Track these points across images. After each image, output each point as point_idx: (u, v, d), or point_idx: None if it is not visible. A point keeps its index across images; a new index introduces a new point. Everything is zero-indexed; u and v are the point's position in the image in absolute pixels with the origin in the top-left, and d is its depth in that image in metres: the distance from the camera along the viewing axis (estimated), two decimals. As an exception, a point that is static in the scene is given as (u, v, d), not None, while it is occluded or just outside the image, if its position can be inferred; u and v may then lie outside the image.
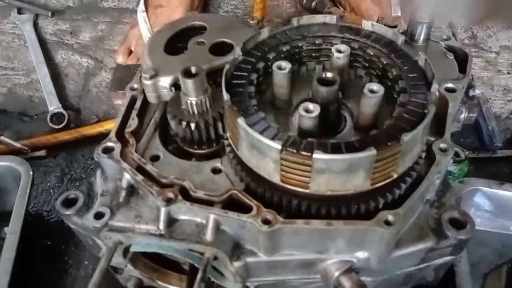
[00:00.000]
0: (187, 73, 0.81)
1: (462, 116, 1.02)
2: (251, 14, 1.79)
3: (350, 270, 0.77)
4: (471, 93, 1.64)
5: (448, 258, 0.84)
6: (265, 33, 0.87)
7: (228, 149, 0.81)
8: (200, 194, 0.76)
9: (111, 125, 1.61)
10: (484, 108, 1.61)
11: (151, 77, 0.88)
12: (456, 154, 1.42)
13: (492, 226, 1.32)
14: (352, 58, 0.86)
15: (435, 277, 0.91)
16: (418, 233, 0.79)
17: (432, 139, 0.80)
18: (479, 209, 1.29)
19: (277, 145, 0.67)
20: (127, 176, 0.81)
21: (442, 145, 0.79)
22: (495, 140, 1.56)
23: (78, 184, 1.55)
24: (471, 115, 1.02)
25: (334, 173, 0.68)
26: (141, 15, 1.70)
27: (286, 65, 0.78)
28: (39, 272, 1.29)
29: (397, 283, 0.89)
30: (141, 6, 1.72)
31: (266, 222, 0.71)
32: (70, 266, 1.32)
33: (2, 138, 1.59)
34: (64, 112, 1.71)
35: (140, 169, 0.80)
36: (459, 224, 0.78)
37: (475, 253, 1.28)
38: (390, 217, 0.70)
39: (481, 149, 1.57)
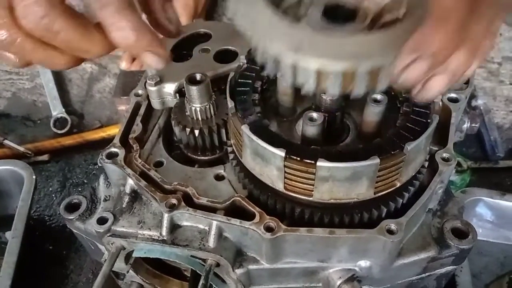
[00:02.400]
0: (192, 80, 0.82)
1: (465, 126, 1.03)
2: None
3: (352, 278, 0.77)
4: (473, 103, 1.65)
5: (450, 268, 0.84)
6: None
7: (231, 156, 0.81)
8: (203, 200, 0.76)
9: (114, 131, 1.62)
10: (486, 118, 1.62)
11: (156, 84, 0.89)
12: (459, 164, 1.43)
13: (494, 236, 1.32)
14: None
15: (437, 286, 0.91)
16: (420, 242, 0.79)
17: (435, 148, 0.81)
18: (481, 219, 1.29)
19: (281, 153, 0.67)
20: (130, 182, 0.81)
21: (445, 155, 0.79)
22: (498, 150, 1.57)
23: (80, 189, 1.56)
24: (473, 125, 1.03)
25: (337, 181, 0.68)
26: (145, 22, 1.70)
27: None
28: (40, 276, 1.29)
29: (399, 292, 0.89)
30: (146, 13, 1.73)
31: (268, 229, 0.71)
32: (71, 271, 1.32)
33: (6, 142, 1.60)
34: (67, 117, 1.72)
35: (143, 175, 0.81)
36: (461, 233, 0.78)
37: (477, 263, 1.28)
38: (393, 226, 0.70)
39: (483, 159, 1.58)
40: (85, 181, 1.57)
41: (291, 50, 0.55)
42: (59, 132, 1.70)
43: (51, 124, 1.71)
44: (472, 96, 1.66)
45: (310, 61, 0.54)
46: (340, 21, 0.65)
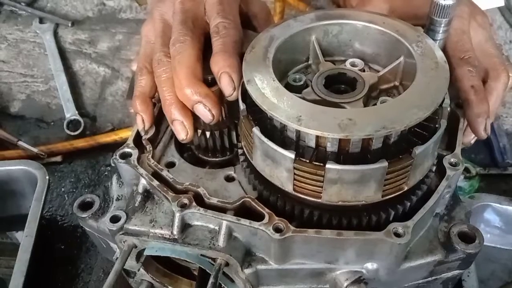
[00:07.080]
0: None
1: (473, 132, 1.03)
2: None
3: (359, 280, 0.78)
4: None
5: (456, 272, 0.85)
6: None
7: (242, 158, 0.83)
8: (213, 200, 0.78)
9: (126, 134, 1.64)
10: (495, 125, 1.62)
11: (169, 86, 0.90)
12: (467, 170, 1.43)
13: (502, 242, 1.32)
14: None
15: (444, 291, 0.91)
16: (427, 246, 0.80)
17: (443, 153, 0.82)
18: (489, 225, 1.29)
19: (291, 155, 0.69)
20: (143, 182, 0.83)
21: (453, 160, 0.80)
22: (506, 157, 1.57)
23: (91, 190, 1.58)
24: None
25: (346, 183, 0.69)
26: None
27: (301, 76, 0.80)
28: (52, 275, 1.31)
29: (406, 295, 0.90)
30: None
31: (277, 230, 0.72)
32: (82, 270, 1.34)
33: (20, 143, 1.63)
34: (80, 119, 1.75)
35: (156, 175, 0.83)
36: (468, 238, 0.79)
37: (484, 269, 1.28)
38: (400, 229, 0.71)
39: (492, 165, 1.57)
40: (97, 182, 1.60)
41: (293, 122, 0.66)
42: (72, 134, 1.72)
43: (65, 126, 1.73)
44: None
45: (310, 130, 0.65)
46: (342, 88, 0.77)
